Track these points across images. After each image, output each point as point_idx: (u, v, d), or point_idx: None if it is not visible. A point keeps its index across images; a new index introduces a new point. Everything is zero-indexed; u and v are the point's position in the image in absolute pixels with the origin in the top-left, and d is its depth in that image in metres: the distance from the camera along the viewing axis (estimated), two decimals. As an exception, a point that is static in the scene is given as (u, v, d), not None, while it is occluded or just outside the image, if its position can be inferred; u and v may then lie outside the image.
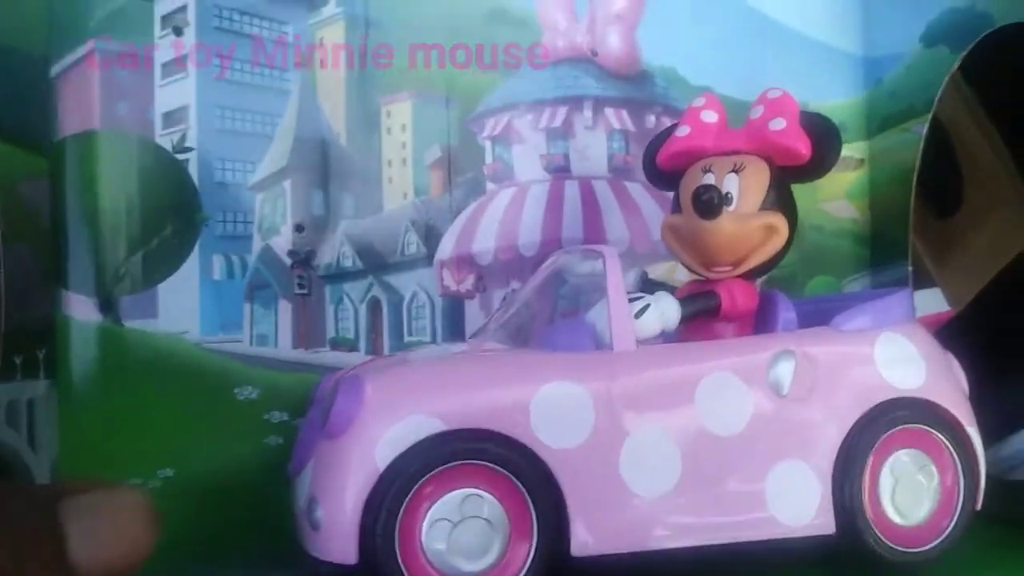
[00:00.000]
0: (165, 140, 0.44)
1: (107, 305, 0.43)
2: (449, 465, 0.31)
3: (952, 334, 0.47)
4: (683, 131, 0.40)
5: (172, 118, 0.44)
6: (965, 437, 0.36)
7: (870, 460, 0.35)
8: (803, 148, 0.38)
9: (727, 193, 0.37)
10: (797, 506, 0.34)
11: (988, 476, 0.37)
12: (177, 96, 0.44)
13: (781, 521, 0.34)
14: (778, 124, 0.38)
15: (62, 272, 0.42)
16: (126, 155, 0.43)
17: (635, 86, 0.50)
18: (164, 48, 0.43)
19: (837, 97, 0.54)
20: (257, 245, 0.45)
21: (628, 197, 0.50)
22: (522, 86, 0.49)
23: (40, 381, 0.42)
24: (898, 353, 0.36)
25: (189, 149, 0.44)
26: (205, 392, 0.44)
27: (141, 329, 0.43)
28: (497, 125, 0.48)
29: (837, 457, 0.35)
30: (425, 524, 0.31)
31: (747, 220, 0.37)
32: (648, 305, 0.36)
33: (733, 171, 0.38)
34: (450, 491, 0.31)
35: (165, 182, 0.44)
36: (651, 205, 0.50)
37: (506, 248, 0.48)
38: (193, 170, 0.44)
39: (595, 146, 0.50)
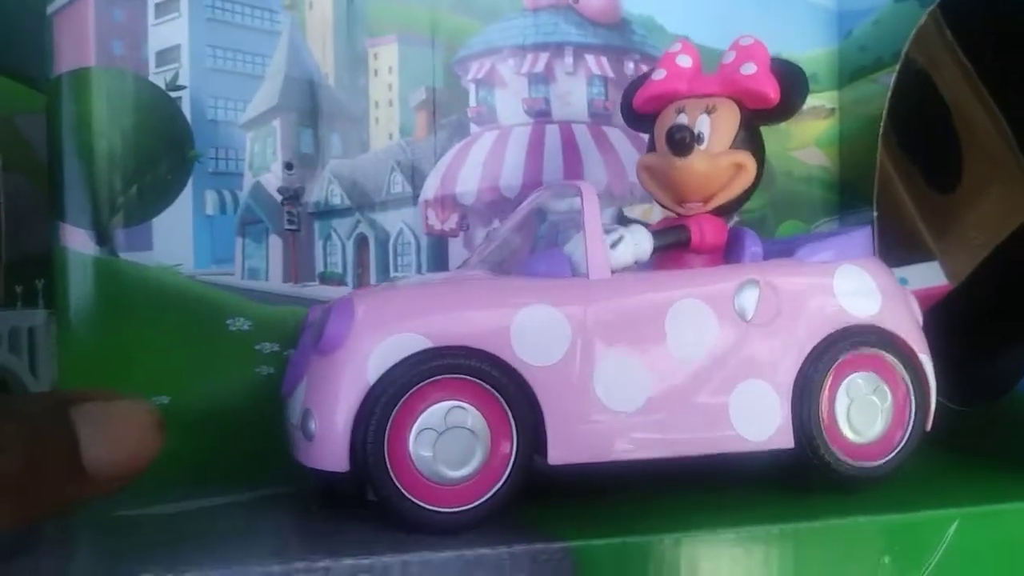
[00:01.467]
0: (158, 78, 0.45)
1: (103, 237, 0.44)
2: (435, 379, 0.33)
3: (950, 307, 0.50)
4: (659, 75, 0.42)
5: (165, 57, 0.45)
6: (917, 362, 0.39)
7: (827, 381, 0.37)
8: (772, 92, 0.40)
9: (699, 133, 0.40)
10: (759, 423, 0.37)
11: (939, 404, 0.40)
12: (170, 35, 0.45)
13: (744, 436, 0.36)
14: (749, 68, 0.40)
15: (59, 204, 0.44)
16: (121, 92, 0.44)
17: (615, 34, 0.52)
18: (157, -13, 0.45)
19: (810, 48, 0.56)
20: (248, 182, 0.47)
21: (607, 141, 0.52)
22: (504, 32, 0.50)
23: (39, 310, 0.44)
24: (856, 285, 0.39)
25: (182, 87, 0.45)
26: (199, 323, 0.46)
27: (136, 261, 0.45)
28: (480, 69, 0.50)
29: (797, 378, 0.37)
30: (412, 433, 0.33)
31: (717, 158, 0.39)
32: (622, 236, 0.38)
33: (705, 112, 0.40)
34: (435, 403, 0.34)
35: (158, 119, 0.45)
36: (629, 149, 0.52)
37: (489, 189, 0.50)
38: (186, 108, 0.45)
39: (575, 91, 0.52)
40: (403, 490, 0.33)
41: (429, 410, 0.34)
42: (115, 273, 0.45)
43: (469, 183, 0.50)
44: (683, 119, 0.40)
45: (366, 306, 0.35)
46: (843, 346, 0.38)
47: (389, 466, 0.33)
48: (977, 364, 0.45)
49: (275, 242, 0.47)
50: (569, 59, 0.51)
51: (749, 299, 0.37)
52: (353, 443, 0.33)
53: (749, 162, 0.40)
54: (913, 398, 0.39)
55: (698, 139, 0.39)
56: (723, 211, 0.41)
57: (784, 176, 0.55)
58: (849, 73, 0.55)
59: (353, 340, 0.34)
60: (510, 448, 0.34)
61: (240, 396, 0.46)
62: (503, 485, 0.34)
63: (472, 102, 0.50)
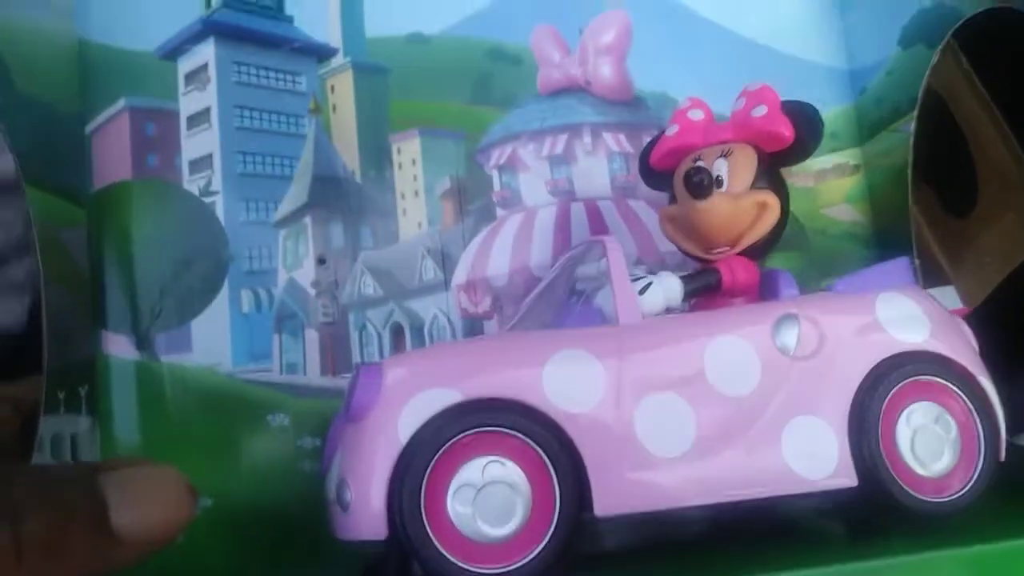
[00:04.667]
0: (192, 185, 0.47)
1: (144, 342, 0.45)
2: (468, 433, 0.32)
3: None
4: (672, 130, 0.42)
5: (198, 165, 0.47)
6: (978, 387, 0.37)
7: (883, 413, 0.35)
8: (785, 131, 0.40)
9: (717, 176, 0.39)
10: (816, 461, 0.34)
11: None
12: (202, 145, 0.47)
13: (801, 476, 0.34)
14: (760, 111, 0.40)
15: (101, 313, 0.45)
16: (157, 201, 0.46)
17: (629, 111, 0.53)
18: (188, 102, 0.47)
19: (827, 109, 0.56)
20: (282, 278, 0.48)
21: (632, 213, 0.52)
22: (522, 117, 0.52)
23: (83, 417, 0.44)
24: (900, 311, 0.37)
25: (215, 192, 0.47)
26: (239, 421, 0.46)
27: (176, 363, 0.46)
28: (502, 155, 0.51)
29: (851, 411, 0.35)
30: (450, 491, 0.32)
31: (739, 198, 0.39)
32: (651, 283, 0.37)
33: (722, 156, 0.40)
34: (471, 459, 0.32)
35: (193, 225, 0.47)
36: (655, 220, 0.52)
37: (519, 270, 0.50)
38: (219, 211, 0.47)
39: (596, 169, 0.53)
40: (444, 551, 0.32)
41: (465, 466, 0.32)
42: (156, 377, 0.45)
43: (499, 265, 0.50)
44: (700, 164, 0.40)
45: (393, 367, 0.34)
46: (896, 375, 0.36)
47: (428, 526, 0.32)
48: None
49: (311, 336, 0.48)
50: (588, 138, 0.53)
51: (789, 334, 0.36)
52: (390, 507, 0.32)
53: (772, 200, 0.39)
54: (979, 426, 0.36)
55: (717, 183, 0.39)
56: (752, 253, 0.40)
57: (818, 235, 0.55)
58: (868, 127, 0.55)
59: (382, 402, 0.33)
60: (553, 502, 0.33)
61: (283, 494, 0.45)
62: (549, 541, 0.32)
63: (496, 187, 0.51)
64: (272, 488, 0.45)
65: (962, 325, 0.39)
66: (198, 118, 0.47)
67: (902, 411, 0.36)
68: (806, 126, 0.40)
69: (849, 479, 0.35)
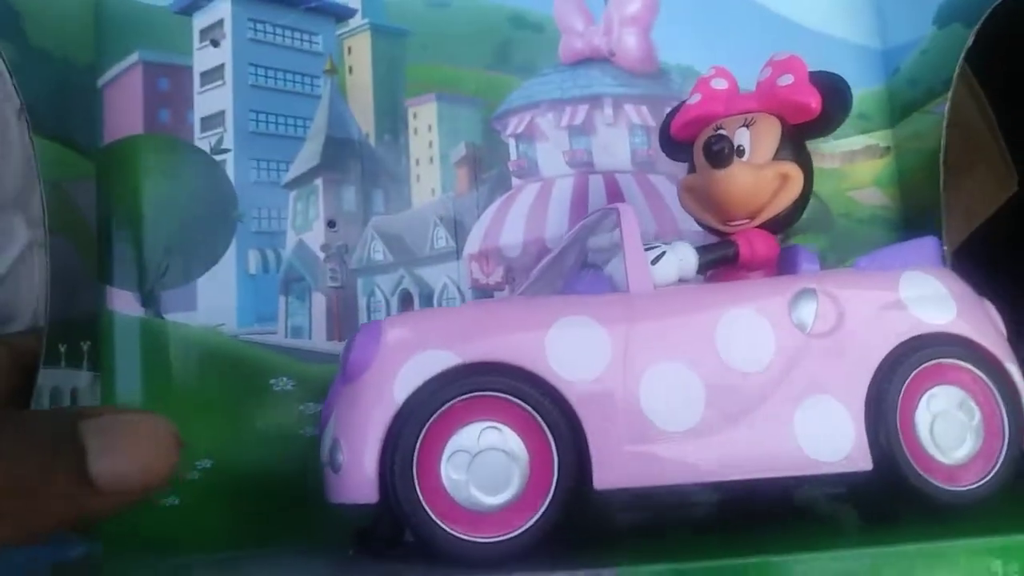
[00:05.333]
0: (203, 143, 0.46)
1: (149, 299, 0.45)
2: (466, 397, 0.31)
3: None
4: (694, 99, 0.41)
5: (210, 122, 0.46)
6: (1004, 373, 0.35)
7: (903, 396, 0.34)
8: (813, 102, 0.38)
9: (739, 146, 0.38)
10: (830, 443, 0.33)
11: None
12: (214, 102, 0.46)
13: (813, 457, 0.33)
14: (786, 80, 0.39)
15: (107, 269, 0.44)
16: (166, 157, 0.45)
17: (653, 83, 0.52)
18: (203, 58, 0.46)
19: (858, 89, 0.54)
20: (291, 240, 0.47)
21: (653, 189, 0.51)
22: (543, 86, 0.51)
23: (83, 371, 0.44)
24: (925, 291, 0.36)
25: (226, 151, 0.46)
26: (242, 383, 0.45)
27: (181, 322, 0.45)
28: (520, 123, 0.50)
29: (869, 393, 0.34)
30: (444, 456, 0.31)
31: (760, 169, 0.38)
32: (664, 252, 0.36)
33: (744, 126, 0.38)
34: (468, 424, 0.31)
35: (203, 182, 0.46)
36: (675, 196, 0.50)
37: (533, 241, 0.49)
38: (229, 170, 0.46)
39: (617, 142, 0.51)
40: (436, 517, 0.31)
41: (461, 431, 0.31)
42: (160, 334, 0.45)
43: (513, 236, 0.49)
44: (721, 132, 0.38)
45: (392, 326, 0.33)
46: (917, 357, 0.34)
47: (420, 492, 0.31)
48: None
49: (318, 300, 0.47)
50: (609, 110, 0.51)
51: (807, 309, 0.35)
52: (382, 471, 0.31)
53: (795, 172, 0.38)
54: (1004, 413, 0.35)
55: (738, 152, 0.38)
56: (772, 227, 0.38)
57: (844, 218, 0.53)
58: (901, 108, 0.53)
59: (379, 361, 0.32)
60: (551, 472, 0.31)
61: (284, 458, 0.45)
62: (545, 512, 0.31)
63: (513, 156, 0.50)
64: (273, 452, 0.45)
65: (990, 309, 0.37)
66: (212, 74, 0.46)
67: (923, 395, 0.34)
68: (834, 97, 0.39)
69: (864, 463, 0.33)
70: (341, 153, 0.48)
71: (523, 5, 0.50)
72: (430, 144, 0.49)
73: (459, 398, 0.31)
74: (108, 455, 0.26)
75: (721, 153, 0.37)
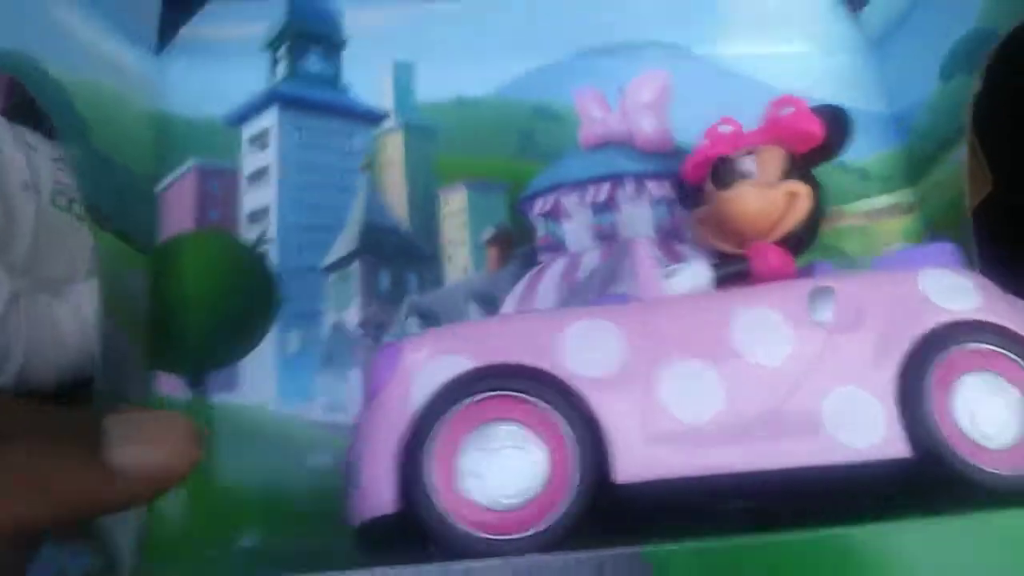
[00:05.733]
0: (250, 234, 0.49)
1: (196, 381, 0.47)
2: (480, 398, 0.32)
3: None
4: (702, 144, 0.43)
5: (255, 216, 0.50)
6: (1039, 357, 0.34)
7: (935, 383, 0.33)
8: (815, 128, 0.40)
9: (745, 170, 0.39)
10: (861, 431, 0.32)
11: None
12: (260, 198, 0.50)
13: (844, 444, 0.31)
14: (787, 110, 0.41)
15: (158, 354, 0.47)
16: (214, 250, 0.49)
17: (672, 160, 0.54)
18: (251, 161, 0.51)
19: (874, 152, 0.55)
20: (329, 320, 0.49)
21: (678, 254, 0.52)
22: (566, 169, 0.53)
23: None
24: (945, 283, 0.35)
25: (269, 240, 0.49)
26: (283, 459, 0.46)
27: (225, 403, 0.46)
28: (545, 204, 0.52)
29: (899, 382, 0.33)
30: (462, 458, 0.31)
31: (768, 188, 0.39)
32: (679, 268, 0.37)
33: (749, 155, 0.40)
34: (484, 424, 0.31)
35: (247, 271, 0.49)
36: (703, 260, 0.51)
37: (565, 311, 0.50)
38: (273, 255, 0.49)
39: (640, 215, 0.53)
40: (455, 520, 0.30)
41: (477, 431, 0.31)
42: (206, 415, 0.46)
43: (545, 306, 0.50)
44: (727, 157, 0.40)
45: (412, 344, 0.34)
46: (944, 343, 0.33)
47: (439, 494, 0.30)
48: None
49: (356, 376, 0.48)
50: (630, 188, 0.53)
51: (824, 304, 0.34)
52: (398, 480, 0.31)
53: (803, 189, 0.39)
54: (1045, 396, 0.33)
55: (745, 175, 0.39)
56: (787, 245, 0.39)
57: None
58: (918, 164, 0.54)
59: (398, 377, 0.33)
60: (570, 468, 0.31)
61: (324, 534, 0.44)
62: (566, 509, 0.30)
63: (540, 233, 0.52)
64: (314, 527, 0.44)
65: (1017, 300, 0.36)
66: (258, 175, 0.51)
67: (955, 380, 0.33)
68: (835, 124, 0.40)
69: (900, 450, 0.32)
70: (377, 238, 0.50)
71: (544, 97, 0.54)
72: (460, 227, 0.51)
73: (474, 398, 0.32)
74: (129, 445, 0.27)
75: (726, 173, 0.38)
